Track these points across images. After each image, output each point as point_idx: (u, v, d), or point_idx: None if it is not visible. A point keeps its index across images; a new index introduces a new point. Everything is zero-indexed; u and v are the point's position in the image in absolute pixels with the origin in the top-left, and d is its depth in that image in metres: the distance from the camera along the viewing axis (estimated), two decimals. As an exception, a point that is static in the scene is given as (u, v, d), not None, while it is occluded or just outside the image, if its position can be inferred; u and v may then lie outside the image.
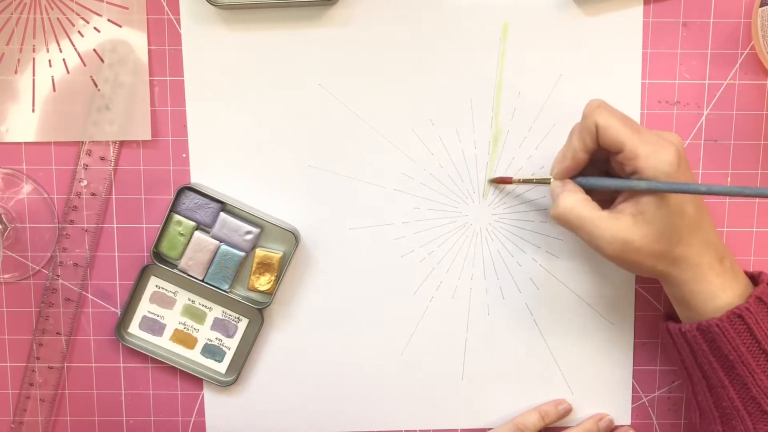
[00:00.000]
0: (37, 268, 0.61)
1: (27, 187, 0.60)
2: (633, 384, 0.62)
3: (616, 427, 0.62)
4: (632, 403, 0.62)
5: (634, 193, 0.51)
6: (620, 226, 0.50)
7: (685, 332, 0.53)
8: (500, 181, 0.59)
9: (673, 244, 0.51)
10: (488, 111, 0.59)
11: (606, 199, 0.54)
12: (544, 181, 0.57)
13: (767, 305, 0.51)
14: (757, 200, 0.60)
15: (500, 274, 0.61)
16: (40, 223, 0.60)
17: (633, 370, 0.62)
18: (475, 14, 0.58)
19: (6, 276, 0.61)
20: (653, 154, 0.50)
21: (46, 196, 0.60)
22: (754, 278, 0.54)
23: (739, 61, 0.58)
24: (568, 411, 0.61)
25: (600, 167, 0.55)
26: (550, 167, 0.56)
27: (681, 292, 0.52)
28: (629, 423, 0.62)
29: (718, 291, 0.52)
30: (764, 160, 0.60)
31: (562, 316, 0.61)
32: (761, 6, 0.56)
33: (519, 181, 0.59)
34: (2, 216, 0.59)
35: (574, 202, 0.52)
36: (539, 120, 0.59)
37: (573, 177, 0.55)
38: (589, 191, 0.54)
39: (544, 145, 0.59)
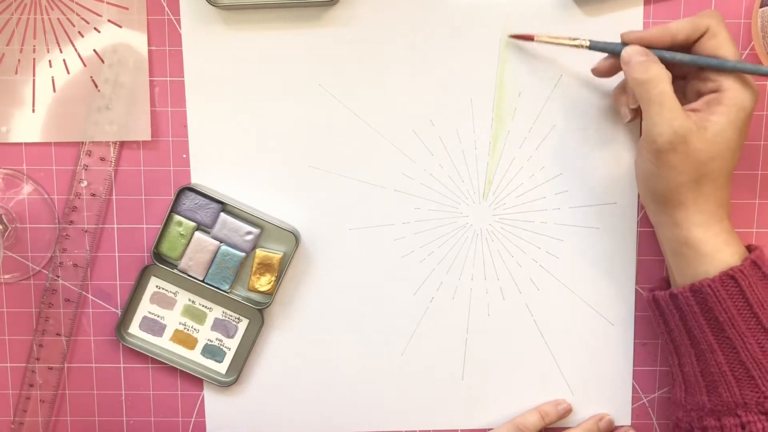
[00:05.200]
0: (38, 268, 0.61)
1: (27, 188, 0.60)
2: (633, 384, 0.62)
3: (617, 428, 0.62)
4: (632, 404, 0.62)
5: (706, 106, 0.51)
6: (687, 124, 0.50)
7: (677, 295, 0.53)
8: (520, 38, 0.57)
9: (710, 177, 0.51)
10: (488, 111, 0.59)
11: None
12: (576, 45, 0.55)
13: (761, 270, 0.51)
14: (757, 201, 0.60)
15: (500, 274, 0.61)
16: (41, 223, 0.60)
17: (633, 370, 0.62)
18: (475, 15, 0.58)
19: (6, 276, 0.61)
20: (743, 86, 0.51)
21: (46, 196, 0.60)
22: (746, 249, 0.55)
23: (740, 62, 0.58)
24: (567, 411, 0.61)
25: None
26: (621, 34, 0.54)
27: (687, 236, 0.52)
28: (629, 423, 0.62)
29: (721, 245, 0.52)
30: (764, 160, 0.60)
31: (562, 316, 0.61)
32: (761, 7, 0.56)
33: (544, 40, 0.56)
34: (2, 216, 0.59)
35: (666, 75, 0.51)
36: (539, 121, 0.59)
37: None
38: None
39: (545, 146, 0.59)
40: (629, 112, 0.56)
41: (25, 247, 0.60)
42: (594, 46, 0.55)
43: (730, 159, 0.52)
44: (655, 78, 0.51)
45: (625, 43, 0.54)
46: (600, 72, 0.56)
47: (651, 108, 0.51)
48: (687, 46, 0.53)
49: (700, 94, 0.53)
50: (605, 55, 0.56)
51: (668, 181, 0.51)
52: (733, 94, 0.51)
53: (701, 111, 0.51)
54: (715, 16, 0.52)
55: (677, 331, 0.54)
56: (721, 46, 0.51)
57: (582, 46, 0.55)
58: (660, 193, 0.53)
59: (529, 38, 0.57)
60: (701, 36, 0.52)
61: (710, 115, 0.51)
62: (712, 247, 0.52)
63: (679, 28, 0.52)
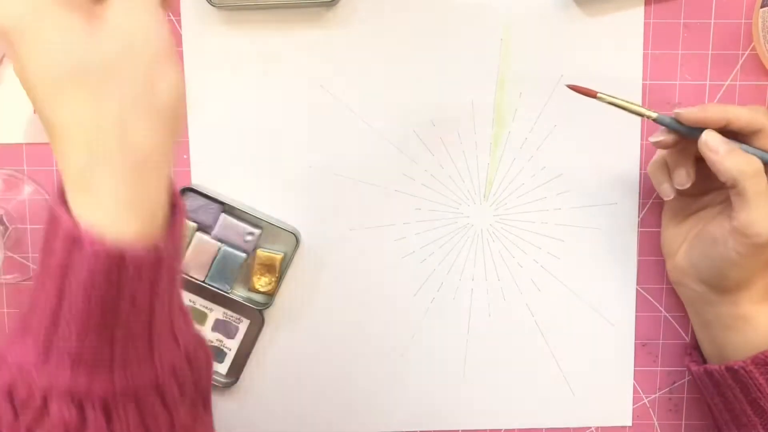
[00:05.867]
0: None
1: (28, 189, 0.60)
2: (634, 385, 0.62)
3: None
4: (633, 404, 0.62)
5: None
6: None
7: (737, 369, 0.53)
8: (581, 91, 0.54)
9: None
10: (489, 112, 0.59)
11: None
12: (641, 114, 0.53)
13: None
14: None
15: (501, 275, 0.61)
16: (41, 224, 0.60)
17: (634, 370, 0.62)
18: (476, 15, 0.58)
19: (7, 277, 0.61)
20: None
21: (47, 197, 0.60)
22: None
23: (740, 62, 0.59)
24: None
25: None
26: (675, 112, 0.52)
27: (742, 312, 0.53)
28: (630, 424, 0.62)
29: None
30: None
31: (563, 317, 0.61)
32: (762, 7, 0.56)
33: (607, 100, 0.53)
34: (3, 217, 0.59)
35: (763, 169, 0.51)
36: (540, 121, 0.59)
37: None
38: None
39: (546, 146, 0.59)
40: (672, 190, 0.56)
41: (26, 248, 0.60)
42: (660, 121, 0.53)
43: None
44: (759, 171, 0.50)
45: (681, 123, 0.52)
46: (664, 146, 0.54)
47: (757, 202, 0.50)
48: (733, 135, 0.52)
49: None
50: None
51: (746, 270, 0.52)
52: None
53: None
54: (766, 113, 0.52)
55: (736, 403, 0.54)
56: None
57: (647, 117, 0.53)
58: (734, 280, 0.53)
59: (590, 94, 0.54)
60: (754, 132, 0.51)
61: None
62: (766, 317, 0.53)
63: (737, 116, 0.51)
